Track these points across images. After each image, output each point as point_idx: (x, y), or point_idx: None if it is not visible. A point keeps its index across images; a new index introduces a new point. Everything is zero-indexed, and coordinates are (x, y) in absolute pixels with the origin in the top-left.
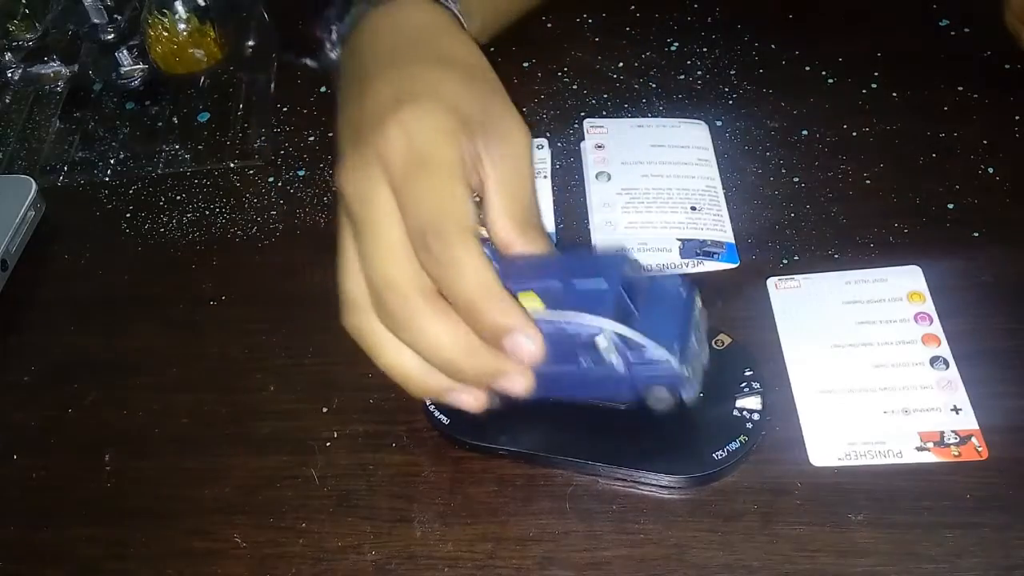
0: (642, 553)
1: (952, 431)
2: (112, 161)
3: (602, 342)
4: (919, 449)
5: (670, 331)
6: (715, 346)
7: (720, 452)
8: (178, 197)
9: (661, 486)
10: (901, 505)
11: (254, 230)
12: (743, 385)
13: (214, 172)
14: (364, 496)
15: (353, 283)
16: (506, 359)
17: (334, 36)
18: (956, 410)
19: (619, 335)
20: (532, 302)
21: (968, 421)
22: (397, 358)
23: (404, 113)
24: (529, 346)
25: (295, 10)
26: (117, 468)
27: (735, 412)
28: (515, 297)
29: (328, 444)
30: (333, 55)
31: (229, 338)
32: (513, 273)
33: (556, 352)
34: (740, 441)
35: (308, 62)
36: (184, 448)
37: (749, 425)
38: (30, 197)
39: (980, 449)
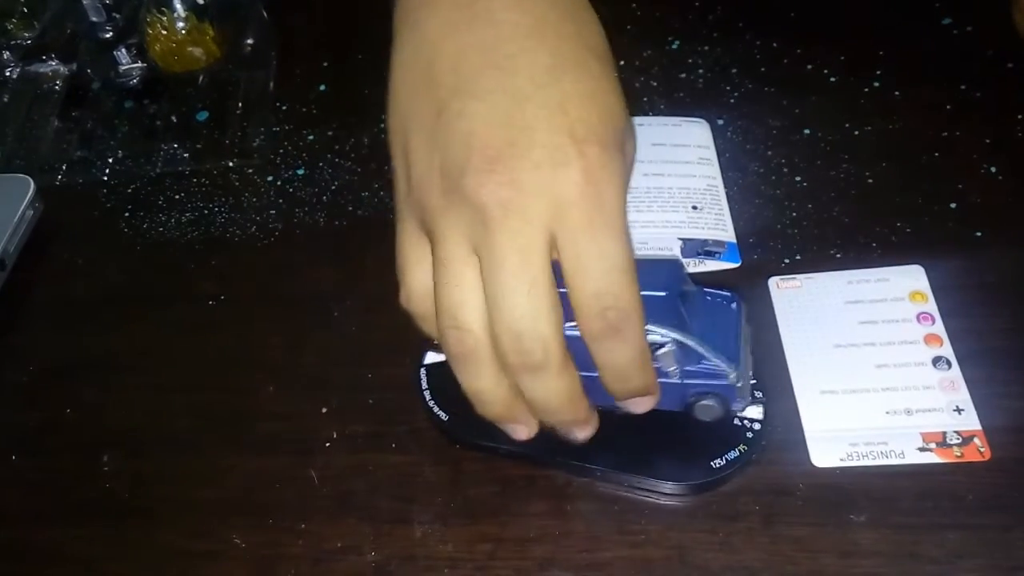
0: (643, 554)
1: (954, 431)
2: (111, 160)
3: (660, 351)
4: (921, 450)
5: (725, 343)
6: None
7: (719, 460)
8: (177, 196)
9: (658, 492)
10: (903, 506)
11: (253, 229)
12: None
13: (213, 171)
14: (364, 497)
15: (471, 310)
16: (594, 413)
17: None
18: (958, 410)
19: (679, 343)
20: None
21: (971, 422)
22: (492, 386)
23: (592, 158)
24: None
25: (295, 9)
26: (116, 468)
27: (736, 421)
28: None
29: (328, 444)
30: None
31: (228, 338)
32: None
33: None
34: (739, 450)
35: None
36: (183, 448)
37: (749, 435)
38: (28, 196)
39: (983, 450)
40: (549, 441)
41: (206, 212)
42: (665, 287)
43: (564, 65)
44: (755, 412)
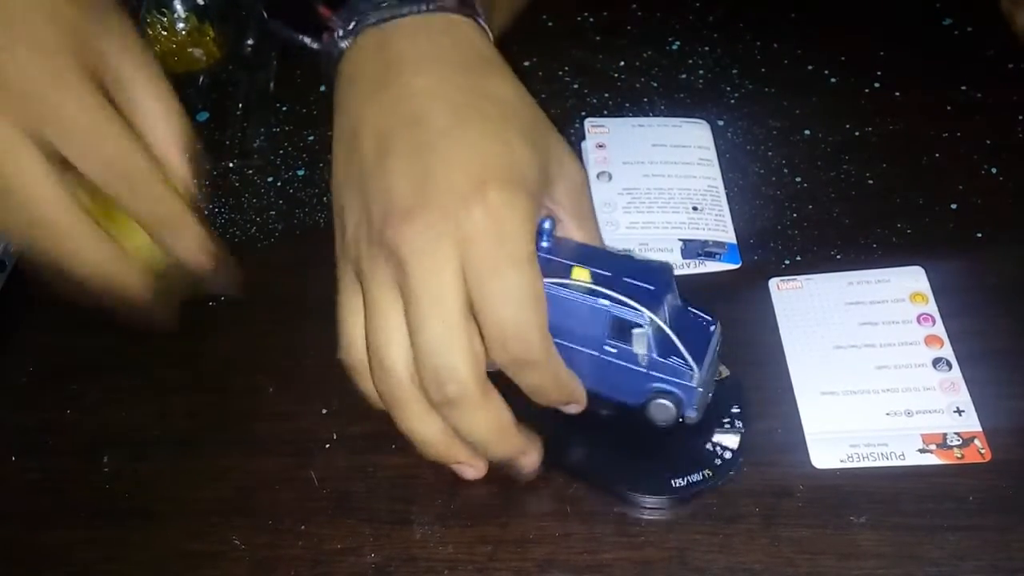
0: (643, 556)
1: (955, 433)
2: None
3: (637, 330)
4: (922, 451)
5: (695, 352)
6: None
7: (679, 480)
8: None
9: (616, 499)
10: (903, 507)
11: (253, 230)
12: (726, 420)
13: (213, 172)
14: (363, 498)
15: (395, 349)
16: (533, 441)
17: (350, 24)
18: (959, 412)
19: (655, 332)
20: (582, 274)
21: (971, 423)
22: (424, 426)
23: (492, 198)
24: (577, 410)
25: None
26: (116, 469)
27: (708, 445)
28: (568, 268)
29: (327, 446)
30: (341, 44)
31: (228, 339)
32: (567, 253)
33: (585, 334)
34: (703, 475)
35: (306, 40)
36: (183, 449)
37: (718, 461)
38: None
39: (983, 451)
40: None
41: (206, 213)
42: (656, 284)
43: (467, 117)
44: (730, 440)
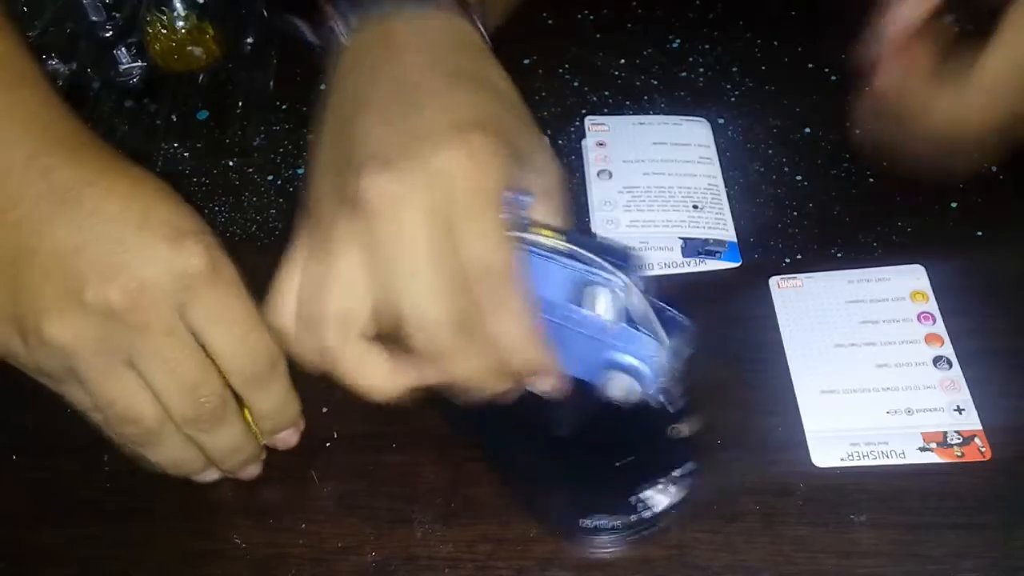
0: (643, 554)
1: (955, 431)
2: None
3: (603, 291)
4: (922, 450)
5: (667, 334)
6: (669, 433)
7: (587, 521)
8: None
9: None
10: (904, 506)
11: (253, 228)
12: (661, 480)
13: (213, 171)
14: (364, 497)
15: (351, 296)
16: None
17: (352, 21)
18: (959, 410)
19: (624, 294)
20: (554, 240)
21: (971, 421)
22: (391, 381)
23: (474, 140)
24: (556, 384)
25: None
26: (116, 469)
27: (632, 497)
28: (538, 231)
29: (328, 444)
30: (343, 38)
31: None
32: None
33: (546, 298)
34: (613, 524)
35: (306, 32)
36: None
37: (634, 517)
38: None
39: (983, 450)
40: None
41: (206, 211)
42: (625, 263)
43: (459, 85)
44: (657, 500)
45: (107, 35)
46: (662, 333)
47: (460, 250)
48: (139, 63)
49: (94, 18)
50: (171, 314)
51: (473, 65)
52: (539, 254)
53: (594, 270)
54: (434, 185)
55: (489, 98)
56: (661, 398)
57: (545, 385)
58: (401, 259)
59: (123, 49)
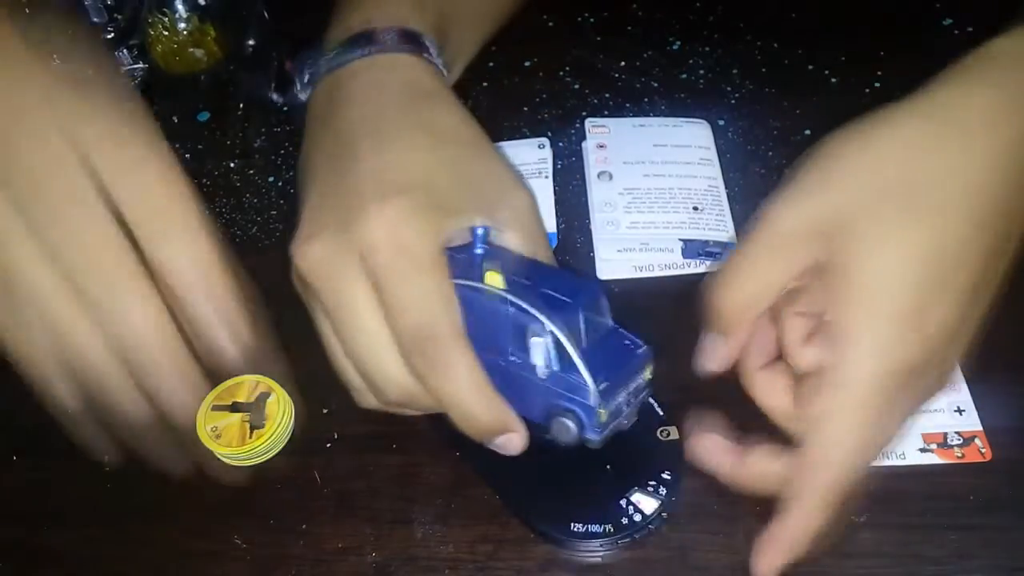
0: (644, 555)
1: (955, 432)
2: None
3: (536, 339)
4: (922, 450)
5: (606, 371)
6: (659, 435)
7: (579, 526)
8: None
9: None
10: (904, 506)
11: (254, 230)
12: (651, 483)
13: (214, 172)
14: (364, 497)
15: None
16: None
17: (305, 77)
18: (959, 411)
19: (556, 342)
20: (495, 279)
21: (972, 422)
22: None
23: (389, 206)
24: (517, 443)
25: (296, 9)
26: (117, 469)
27: (623, 501)
28: (482, 269)
29: (328, 445)
30: (301, 96)
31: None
32: (498, 261)
33: (495, 342)
34: (605, 529)
35: (274, 96)
36: (184, 449)
37: (624, 520)
38: None
39: (984, 450)
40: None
41: (207, 212)
42: (573, 298)
43: (391, 143)
44: (647, 504)
45: (108, 37)
46: (588, 377)
47: (393, 318)
48: (140, 65)
49: (95, 20)
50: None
51: (416, 111)
52: (480, 300)
53: (523, 315)
54: (361, 252)
55: (425, 150)
56: (597, 438)
57: (507, 446)
58: (344, 323)
59: (124, 51)
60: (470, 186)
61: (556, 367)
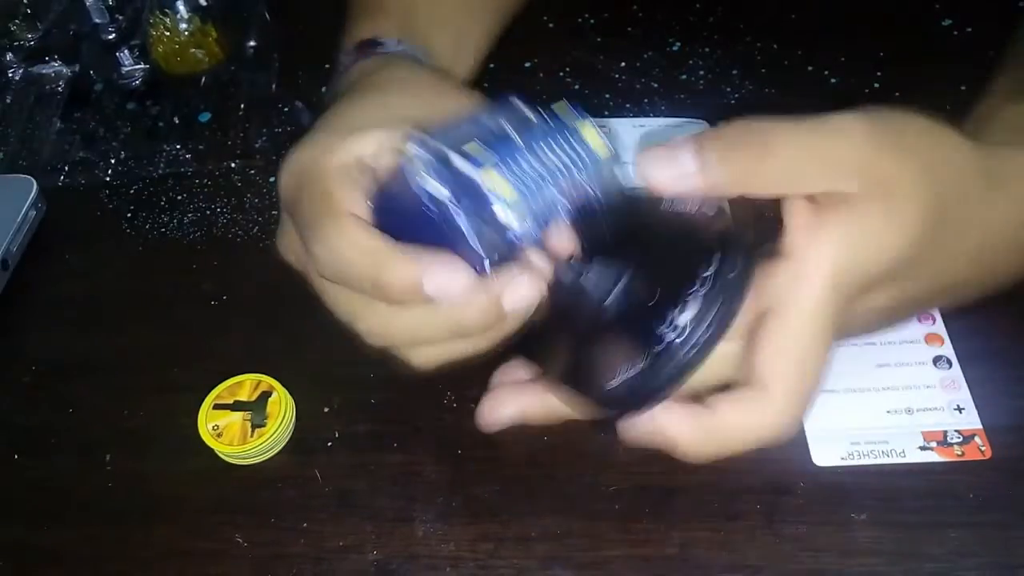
0: (644, 553)
1: (955, 430)
2: (113, 161)
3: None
4: (922, 448)
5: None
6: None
7: (614, 382)
8: (179, 197)
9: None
10: (904, 504)
11: (255, 230)
12: (689, 288)
13: (215, 172)
14: (365, 496)
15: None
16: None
17: (323, 90)
18: (959, 409)
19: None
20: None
21: (971, 420)
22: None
23: (296, 150)
24: (449, 279)
25: (296, 10)
26: (118, 468)
27: (658, 330)
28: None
29: (329, 444)
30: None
31: (230, 338)
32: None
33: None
34: (640, 369)
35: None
36: (185, 448)
37: (659, 348)
38: (31, 197)
39: (983, 449)
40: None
41: (208, 213)
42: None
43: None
44: (686, 316)
45: (110, 37)
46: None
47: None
48: (142, 65)
49: (97, 20)
50: None
51: (363, 88)
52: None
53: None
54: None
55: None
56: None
57: (445, 289)
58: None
59: (126, 51)
60: (414, 103)
61: (453, 191)
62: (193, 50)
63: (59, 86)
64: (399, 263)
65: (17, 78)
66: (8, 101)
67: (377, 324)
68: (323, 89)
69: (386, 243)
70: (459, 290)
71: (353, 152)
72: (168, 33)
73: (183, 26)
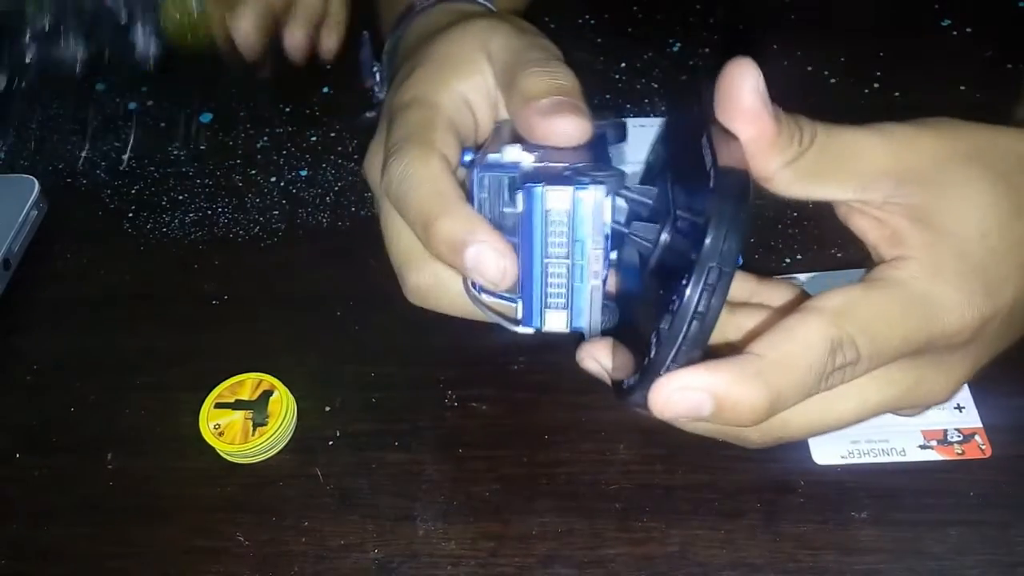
0: (645, 551)
1: (955, 429)
2: (114, 161)
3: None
4: (922, 447)
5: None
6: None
7: (629, 381)
8: (180, 197)
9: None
10: (904, 503)
11: (256, 230)
12: (674, 297)
13: (216, 172)
14: (366, 495)
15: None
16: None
17: (377, 78)
18: (959, 408)
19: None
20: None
21: (971, 419)
22: None
23: (398, 94)
24: (494, 258)
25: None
26: (119, 467)
27: (652, 336)
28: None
29: (331, 443)
30: (381, 95)
31: (230, 338)
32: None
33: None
34: (633, 380)
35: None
36: (186, 447)
37: (645, 360)
38: (32, 197)
39: (983, 447)
40: None
41: (210, 212)
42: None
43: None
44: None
45: (123, 23)
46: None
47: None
48: (154, 46)
49: (110, 3)
50: None
51: (434, 38)
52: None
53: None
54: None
55: (415, 65)
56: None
57: (480, 262)
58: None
59: (139, 28)
60: (477, 45)
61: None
62: (204, 29)
63: (61, 86)
64: (458, 216)
65: (29, 60)
66: (10, 101)
67: (425, 282)
68: (323, 89)
69: (458, 194)
70: (494, 276)
71: (461, 92)
72: (179, 13)
73: (194, 2)
